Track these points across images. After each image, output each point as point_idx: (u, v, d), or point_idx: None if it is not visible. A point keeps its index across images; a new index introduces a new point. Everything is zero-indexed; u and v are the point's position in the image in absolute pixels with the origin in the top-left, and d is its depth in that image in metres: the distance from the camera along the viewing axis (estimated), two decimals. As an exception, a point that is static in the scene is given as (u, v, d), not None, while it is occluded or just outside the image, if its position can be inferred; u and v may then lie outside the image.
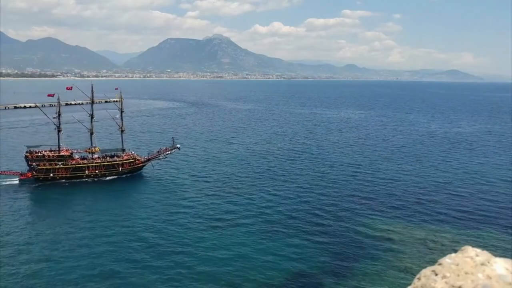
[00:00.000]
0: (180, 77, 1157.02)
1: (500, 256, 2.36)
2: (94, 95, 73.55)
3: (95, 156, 70.10)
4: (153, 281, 34.73)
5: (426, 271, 2.42)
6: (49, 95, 74.74)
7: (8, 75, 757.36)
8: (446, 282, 2.26)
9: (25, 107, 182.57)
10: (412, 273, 34.06)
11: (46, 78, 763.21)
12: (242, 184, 65.44)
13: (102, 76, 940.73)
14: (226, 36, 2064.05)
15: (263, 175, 70.89)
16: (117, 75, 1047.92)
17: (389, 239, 43.62)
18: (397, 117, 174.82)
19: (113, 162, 69.92)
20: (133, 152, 74.66)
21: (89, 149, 70.80)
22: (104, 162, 69.49)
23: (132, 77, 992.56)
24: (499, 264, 2.29)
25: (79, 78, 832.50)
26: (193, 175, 70.49)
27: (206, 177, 69.48)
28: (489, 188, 64.08)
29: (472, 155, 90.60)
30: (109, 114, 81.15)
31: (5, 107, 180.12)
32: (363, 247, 41.76)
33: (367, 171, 74.22)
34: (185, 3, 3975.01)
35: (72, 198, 59.63)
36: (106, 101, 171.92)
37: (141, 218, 50.02)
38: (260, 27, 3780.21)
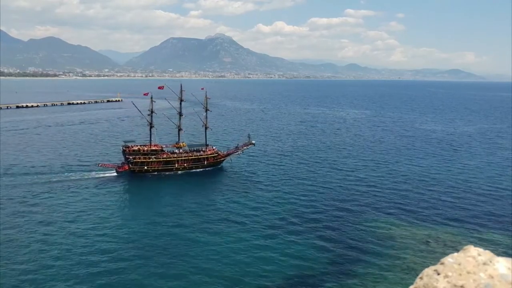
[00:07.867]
0: (182, 76, 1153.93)
1: (503, 255, 2.37)
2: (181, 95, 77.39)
3: (181, 150, 74.53)
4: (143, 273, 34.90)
5: (428, 271, 2.42)
6: (144, 94, 78.65)
7: (10, 74, 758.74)
8: (448, 282, 2.27)
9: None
10: (414, 273, 33.97)
11: (48, 78, 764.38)
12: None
13: (104, 76, 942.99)
14: (229, 35, 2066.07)
15: (268, 175, 71.00)
16: (119, 74, 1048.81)
17: (391, 239, 43.56)
18: (398, 117, 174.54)
19: (199, 156, 74.88)
20: (214, 147, 78.84)
21: (177, 143, 75.80)
22: (192, 156, 74.34)
23: (134, 76, 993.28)
24: (501, 264, 2.30)
25: (81, 78, 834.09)
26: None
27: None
28: (490, 187, 63.91)
29: (473, 155, 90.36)
30: (195, 111, 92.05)
31: (7, 106, 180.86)
32: (365, 247, 41.71)
33: (369, 172, 74.16)
34: (188, 3, 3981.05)
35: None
36: (108, 100, 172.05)
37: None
38: (263, 27, 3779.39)
